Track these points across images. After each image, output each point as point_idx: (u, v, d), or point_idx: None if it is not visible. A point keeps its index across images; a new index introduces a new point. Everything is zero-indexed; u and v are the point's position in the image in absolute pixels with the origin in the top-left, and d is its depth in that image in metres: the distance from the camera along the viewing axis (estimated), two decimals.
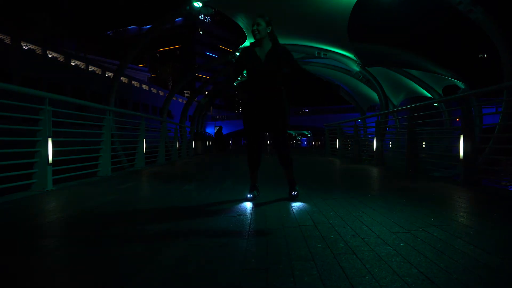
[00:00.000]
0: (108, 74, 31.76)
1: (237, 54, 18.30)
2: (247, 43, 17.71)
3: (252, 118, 3.22)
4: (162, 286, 1.36)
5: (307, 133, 77.60)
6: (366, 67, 17.97)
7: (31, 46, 25.36)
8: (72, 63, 28.84)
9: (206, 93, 30.61)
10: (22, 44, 24.09)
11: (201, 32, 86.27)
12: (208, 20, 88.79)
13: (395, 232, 2.09)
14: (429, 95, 21.90)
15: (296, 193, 3.29)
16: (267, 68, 3.10)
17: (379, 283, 1.35)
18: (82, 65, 30.24)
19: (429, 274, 1.44)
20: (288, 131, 3.38)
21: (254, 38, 3.15)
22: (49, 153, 3.88)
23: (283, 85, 3.24)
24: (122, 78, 30.15)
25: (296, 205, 3.00)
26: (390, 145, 11.11)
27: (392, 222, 2.36)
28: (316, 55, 17.87)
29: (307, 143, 71.01)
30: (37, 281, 1.43)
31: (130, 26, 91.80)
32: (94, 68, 32.06)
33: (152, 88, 42.59)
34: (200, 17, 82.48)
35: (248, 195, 3.25)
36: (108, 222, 2.47)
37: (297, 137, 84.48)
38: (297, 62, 3.27)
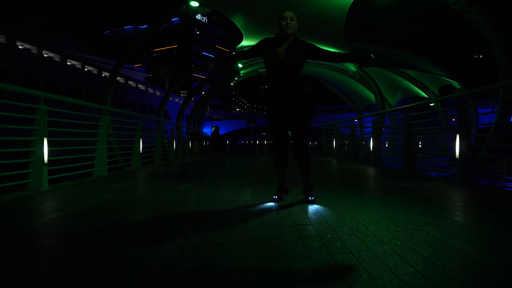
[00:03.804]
0: (105, 74, 31.62)
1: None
2: (244, 43, 17.68)
3: (275, 115, 3.07)
4: (157, 285, 1.35)
5: None
6: (362, 67, 18.03)
7: (26, 46, 25.21)
8: (68, 63, 28.71)
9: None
10: (17, 43, 23.93)
11: (198, 32, 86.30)
12: (205, 20, 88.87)
13: (392, 231, 2.10)
14: (425, 95, 22.02)
15: (313, 198, 3.07)
16: (286, 63, 2.96)
17: (376, 282, 1.35)
18: (78, 64, 30.10)
19: (425, 272, 1.44)
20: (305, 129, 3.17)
21: (282, 31, 2.96)
22: (45, 153, 3.84)
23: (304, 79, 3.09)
24: (118, 78, 30.05)
25: (292, 204, 3.00)
26: (386, 145, 11.17)
27: (389, 221, 2.36)
28: None
29: None
30: (33, 281, 1.41)
31: (126, 26, 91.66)
32: (91, 68, 31.92)
33: (148, 88, 42.44)
34: (197, 17, 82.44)
35: (274, 196, 3.14)
36: (104, 221, 2.46)
37: None
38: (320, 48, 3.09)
